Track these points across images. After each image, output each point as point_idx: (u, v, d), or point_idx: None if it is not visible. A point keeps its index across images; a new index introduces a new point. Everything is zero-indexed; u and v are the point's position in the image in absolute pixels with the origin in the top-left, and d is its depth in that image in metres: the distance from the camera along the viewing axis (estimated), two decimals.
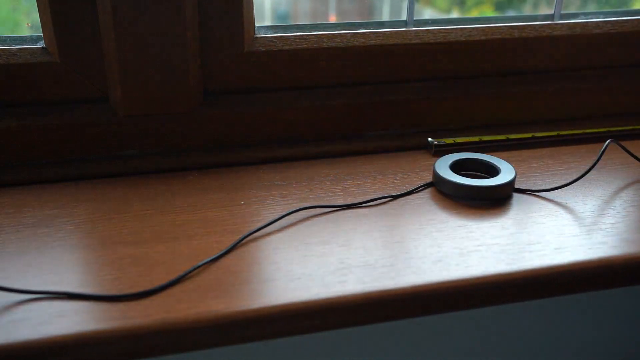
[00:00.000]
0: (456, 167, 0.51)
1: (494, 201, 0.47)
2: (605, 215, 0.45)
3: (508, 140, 0.57)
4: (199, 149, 0.54)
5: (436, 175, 0.49)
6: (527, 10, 0.73)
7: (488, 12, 0.77)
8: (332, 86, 0.57)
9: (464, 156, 0.52)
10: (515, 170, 0.50)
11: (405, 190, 0.49)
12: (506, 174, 0.49)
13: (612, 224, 0.44)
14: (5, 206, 0.46)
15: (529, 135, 0.58)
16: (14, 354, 0.32)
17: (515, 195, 0.49)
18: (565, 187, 0.49)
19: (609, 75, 0.63)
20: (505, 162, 0.51)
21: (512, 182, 0.48)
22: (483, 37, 0.58)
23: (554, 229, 0.44)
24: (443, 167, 0.49)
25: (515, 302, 0.40)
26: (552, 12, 0.62)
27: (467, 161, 0.52)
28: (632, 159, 0.53)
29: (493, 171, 0.50)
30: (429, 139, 0.56)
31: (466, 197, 0.47)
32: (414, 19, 0.58)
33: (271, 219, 0.44)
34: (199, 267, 0.39)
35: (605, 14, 0.64)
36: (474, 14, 0.78)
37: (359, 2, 0.71)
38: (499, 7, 0.78)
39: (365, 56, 0.56)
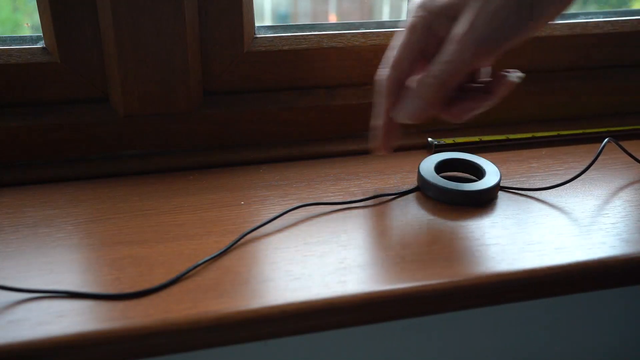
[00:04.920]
0: (440, 169, 0.51)
1: (487, 202, 0.47)
2: (605, 215, 0.45)
3: (508, 140, 0.57)
4: (199, 149, 0.54)
5: (421, 179, 0.49)
6: None
7: None
8: (332, 86, 0.57)
9: (448, 156, 0.51)
10: (500, 170, 0.49)
11: (405, 189, 0.49)
12: (491, 175, 0.48)
13: (612, 224, 0.44)
14: (5, 206, 0.46)
15: (529, 135, 0.58)
16: (14, 354, 0.32)
17: (515, 195, 0.48)
18: (565, 187, 0.49)
19: (609, 75, 0.63)
20: (489, 163, 0.50)
21: (496, 185, 0.48)
22: None
23: (554, 228, 0.44)
24: (427, 168, 0.49)
25: (515, 302, 0.40)
26: None
27: (451, 162, 0.51)
28: (632, 158, 0.53)
29: (478, 172, 0.50)
30: (429, 139, 0.56)
31: (450, 202, 0.47)
32: None
33: (271, 217, 0.44)
34: (198, 265, 0.39)
35: (605, 14, 0.64)
36: None
37: (359, 2, 0.71)
38: None
39: (365, 56, 0.56)
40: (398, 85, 0.44)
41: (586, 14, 0.64)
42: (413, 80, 0.44)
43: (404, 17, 0.59)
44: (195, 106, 0.53)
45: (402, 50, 0.43)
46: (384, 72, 0.44)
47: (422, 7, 0.42)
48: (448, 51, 0.40)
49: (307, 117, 0.56)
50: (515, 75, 0.44)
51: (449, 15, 0.41)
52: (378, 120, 0.46)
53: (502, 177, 0.49)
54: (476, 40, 0.39)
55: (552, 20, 0.40)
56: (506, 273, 0.39)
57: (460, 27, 0.39)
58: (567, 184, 0.50)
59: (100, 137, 0.52)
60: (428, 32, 0.42)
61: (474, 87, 0.45)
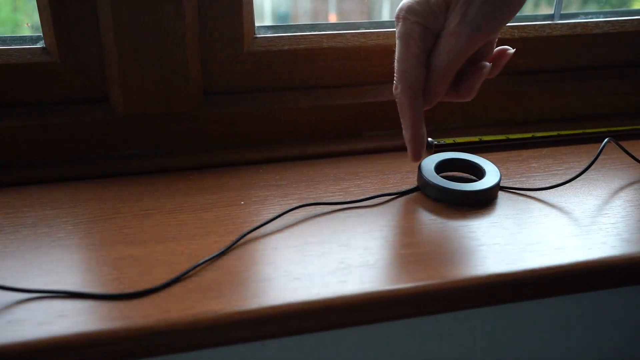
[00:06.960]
0: (440, 169, 0.51)
1: (487, 202, 0.47)
2: (605, 215, 0.45)
3: (508, 140, 0.57)
4: (199, 149, 0.54)
5: (421, 179, 0.49)
6: (527, 10, 0.73)
7: None
8: (332, 86, 0.57)
9: (448, 156, 0.51)
10: (500, 170, 0.49)
11: (405, 189, 0.49)
12: (491, 175, 0.48)
13: (612, 224, 0.44)
14: (5, 206, 0.46)
15: (529, 135, 0.58)
16: (14, 354, 0.32)
17: (515, 195, 0.49)
18: (565, 187, 0.49)
19: (609, 75, 0.63)
20: (489, 163, 0.50)
21: (496, 185, 0.48)
22: None
23: (554, 228, 0.44)
24: (427, 168, 0.49)
25: (515, 302, 0.40)
26: (552, 12, 0.62)
27: (451, 162, 0.51)
28: (632, 158, 0.53)
29: (478, 172, 0.50)
30: (429, 139, 0.56)
31: (450, 202, 0.47)
32: None
33: (271, 217, 0.44)
34: (198, 265, 0.39)
35: (605, 14, 0.64)
36: None
37: (359, 2, 0.71)
38: None
39: (365, 56, 0.56)
40: (414, 95, 0.46)
41: (586, 14, 0.64)
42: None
43: None
44: (195, 106, 0.53)
45: (406, 61, 0.45)
46: (396, 87, 0.46)
47: (412, 11, 0.45)
48: (446, 44, 0.43)
49: (307, 117, 0.56)
50: (509, 48, 0.48)
51: (441, 10, 0.43)
52: (407, 134, 0.47)
53: (502, 177, 0.50)
54: (470, 29, 0.42)
55: None
56: (506, 273, 0.39)
57: (454, 20, 0.43)
58: (567, 184, 0.50)
59: (100, 137, 0.52)
60: (424, 34, 0.44)
61: (474, 66, 0.47)
